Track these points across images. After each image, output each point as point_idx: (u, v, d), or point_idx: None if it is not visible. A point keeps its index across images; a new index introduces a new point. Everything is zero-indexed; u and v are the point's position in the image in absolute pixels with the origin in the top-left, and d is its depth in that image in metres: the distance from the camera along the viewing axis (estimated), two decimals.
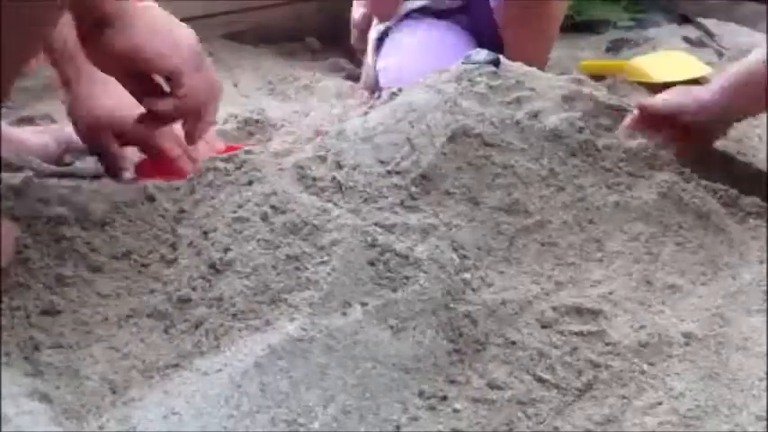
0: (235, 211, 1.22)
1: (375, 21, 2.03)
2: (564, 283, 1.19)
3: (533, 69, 1.46)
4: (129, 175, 1.47)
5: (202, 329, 1.10)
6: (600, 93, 1.50)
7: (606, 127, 1.41)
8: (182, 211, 1.27)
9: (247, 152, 1.33)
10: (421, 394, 1.05)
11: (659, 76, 1.91)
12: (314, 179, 1.26)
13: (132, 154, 1.50)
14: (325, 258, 1.13)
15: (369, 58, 2.04)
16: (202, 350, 1.08)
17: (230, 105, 1.89)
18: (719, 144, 1.49)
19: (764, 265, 1.24)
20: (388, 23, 1.98)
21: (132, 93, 1.28)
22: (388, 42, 1.96)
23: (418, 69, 1.55)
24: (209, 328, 1.10)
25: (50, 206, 1.25)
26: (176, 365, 1.07)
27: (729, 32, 2.31)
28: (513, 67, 1.44)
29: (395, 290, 1.12)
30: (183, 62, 1.24)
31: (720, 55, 2.20)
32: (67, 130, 1.54)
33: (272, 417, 0.99)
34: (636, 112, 1.44)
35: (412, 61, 1.85)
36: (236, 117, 1.81)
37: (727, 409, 1.04)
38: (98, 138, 1.46)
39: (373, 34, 2.02)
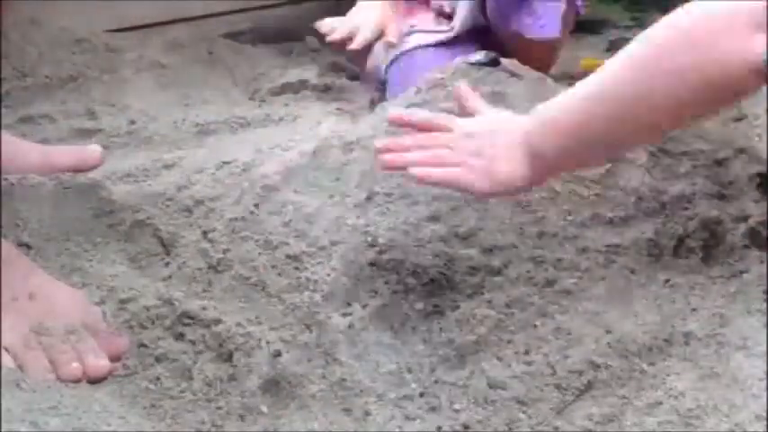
0: (235, 211, 1.22)
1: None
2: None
3: (531, 69, 1.45)
4: None
5: None
6: None
7: None
8: (182, 211, 1.27)
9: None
10: (421, 395, 1.04)
11: None
12: (314, 179, 1.26)
13: None
14: (325, 258, 1.13)
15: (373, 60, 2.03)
16: None
17: (230, 105, 1.89)
18: (718, 143, 1.48)
19: (764, 265, 1.24)
20: (398, 51, 1.97)
21: None
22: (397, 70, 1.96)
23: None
24: None
25: None
26: None
27: None
28: (512, 67, 1.44)
29: (395, 290, 1.12)
30: None
31: None
32: None
33: None
34: None
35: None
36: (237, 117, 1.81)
37: (727, 409, 1.03)
38: None
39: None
